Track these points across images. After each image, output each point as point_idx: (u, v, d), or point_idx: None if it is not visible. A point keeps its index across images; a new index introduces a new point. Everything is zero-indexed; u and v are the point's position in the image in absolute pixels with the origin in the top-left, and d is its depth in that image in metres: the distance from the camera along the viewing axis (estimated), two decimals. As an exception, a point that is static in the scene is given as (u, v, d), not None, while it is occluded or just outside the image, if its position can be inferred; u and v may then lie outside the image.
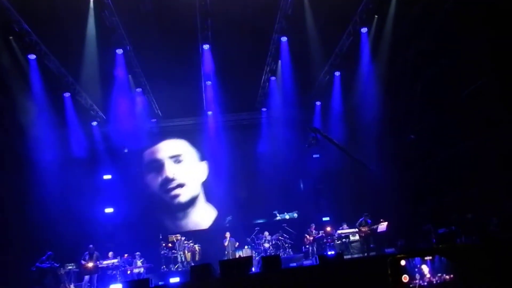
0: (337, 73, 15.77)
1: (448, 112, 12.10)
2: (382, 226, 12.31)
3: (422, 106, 13.48)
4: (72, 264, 12.25)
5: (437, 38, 12.23)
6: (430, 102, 13.05)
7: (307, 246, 13.82)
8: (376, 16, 13.39)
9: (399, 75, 14.85)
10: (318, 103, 17.54)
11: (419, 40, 13.12)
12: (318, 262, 8.30)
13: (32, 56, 12.61)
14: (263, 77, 15.94)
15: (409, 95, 14.29)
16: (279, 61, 14.90)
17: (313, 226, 14.19)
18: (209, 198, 17.35)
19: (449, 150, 12.19)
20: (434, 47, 12.44)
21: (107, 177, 16.72)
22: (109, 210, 16.30)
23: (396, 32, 13.76)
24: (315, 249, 13.63)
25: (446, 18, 11.61)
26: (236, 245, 14.22)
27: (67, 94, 14.67)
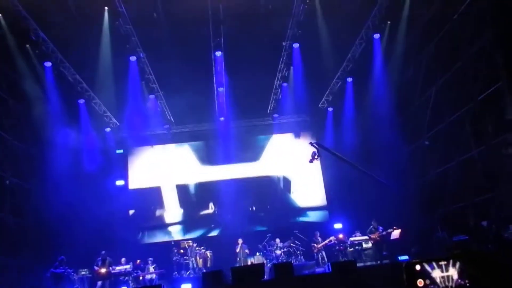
0: (349, 79, 15.71)
1: (462, 118, 11.94)
2: (395, 233, 12.15)
3: (436, 112, 13.33)
4: (86, 269, 12.36)
5: (450, 43, 12.11)
6: (443, 108, 12.90)
7: (317, 254, 13.72)
8: (388, 22, 13.37)
9: (411, 80, 14.75)
10: (330, 109, 17.48)
11: (432, 46, 13.02)
12: (330, 270, 8.22)
13: (48, 64, 12.89)
14: (275, 83, 15.98)
15: (422, 101, 14.17)
16: (291, 67, 14.95)
17: (318, 234, 14.10)
18: (220, 204, 17.34)
19: (464, 156, 12.01)
20: (447, 52, 12.32)
21: (120, 183, 16.85)
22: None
23: (408, 38, 13.71)
24: (325, 256, 13.51)
25: (459, 22, 11.50)
26: (247, 252, 14.18)
27: (81, 101, 14.90)
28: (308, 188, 17.65)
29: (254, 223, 17.04)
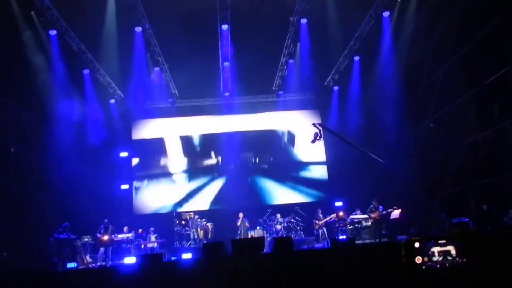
0: (356, 58, 15.52)
1: (468, 101, 11.84)
2: (395, 213, 12.26)
3: (442, 95, 13.22)
4: (88, 236, 12.59)
5: (459, 25, 11.89)
6: (450, 91, 12.78)
7: (317, 230, 13.92)
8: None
9: (419, 62, 14.56)
10: (335, 88, 17.34)
11: (441, 27, 12.78)
12: (329, 246, 8.35)
13: (53, 32, 12.75)
14: (281, 59, 15.80)
15: (429, 83, 14.02)
16: (298, 43, 14.74)
17: (320, 211, 14.25)
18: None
19: (468, 140, 11.98)
20: (455, 34, 12.11)
21: (123, 154, 16.96)
22: (125, 186, 16.59)
23: (418, 18, 13.44)
24: (325, 233, 13.70)
25: (469, 4, 11.26)
26: (247, 225, 14.39)
27: (86, 71, 14.81)
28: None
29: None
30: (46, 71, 13.54)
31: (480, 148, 11.47)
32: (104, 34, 13.28)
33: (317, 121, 16.76)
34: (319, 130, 12.46)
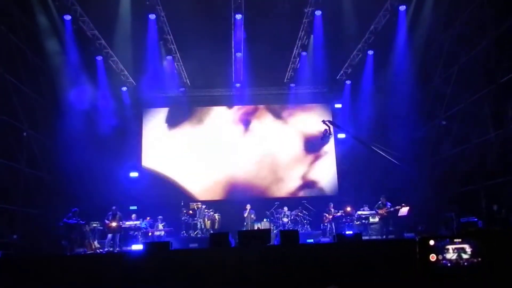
0: (370, 52, 15.31)
1: (482, 99, 11.65)
2: (403, 210, 12.18)
3: (456, 92, 13.02)
4: (97, 222, 12.73)
5: (476, 22, 11.66)
6: (463, 88, 12.58)
7: (326, 224, 13.88)
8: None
9: (433, 58, 14.35)
10: (348, 82, 17.17)
11: (458, 23, 12.55)
12: (336, 241, 8.33)
13: (68, 17, 12.78)
14: (294, 51, 15.67)
15: (443, 80, 13.82)
16: (312, 36, 14.59)
17: (332, 205, 14.19)
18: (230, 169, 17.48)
19: (481, 139, 11.81)
20: (472, 31, 11.89)
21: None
22: (134, 174, 16.69)
23: (435, 12, 13.20)
24: (333, 227, 13.67)
25: (487, 1, 11.03)
26: (253, 217, 14.42)
27: (99, 58, 14.85)
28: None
29: (263, 191, 17.27)
30: (60, 56, 13.63)
31: (492, 147, 11.30)
32: (118, 20, 13.28)
33: (328, 117, 16.70)
34: (329, 127, 12.41)
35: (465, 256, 0.99)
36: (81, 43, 13.72)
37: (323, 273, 6.24)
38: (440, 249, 0.99)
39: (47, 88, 14.14)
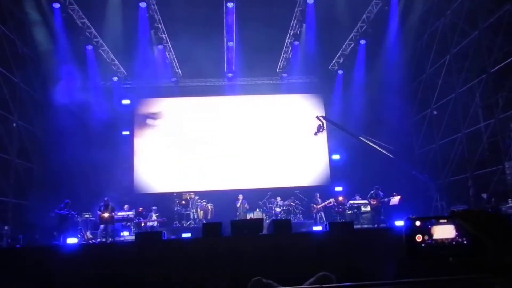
0: (363, 42, 15.30)
1: (473, 89, 11.74)
2: (395, 199, 12.31)
3: (447, 82, 13.10)
4: (89, 213, 12.70)
5: (468, 11, 11.69)
6: (455, 78, 12.66)
7: (315, 214, 14.01)
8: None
9: (425, 48, 14.39)
10: (340, 72, 17.16)
11: (449, 12, 12.58)
12: (328, 229, 8.41)
13: (56, 5, 12.58)
14: (286, 41, 15.61)
15: (434, 70, 13.89)
16: (304, 25, 14.52)
17: (318, 195, 14.29)
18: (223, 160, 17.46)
19: (471, 128, 11.92)
20: (464, 21, 11.92)
21: (125, 133, 16.92)
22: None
23: (427, 2, 13.22)
24: (323, 216, 13.78)
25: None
26: (247, 207, 14.47)
27: (89, 47, 14.67)
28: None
29: (256, 181, 17.32)
30: (49, 46, 13.44)
31: (482, 137, 11.42)
32: (108, 9, 13.12)
33: (320, 106, 16.74)
34: (322, 122, 12.47)
35: (450, 236, 1.00)
36: (71, 32, 13.53)
37: (315, 260, 6.31)
38: (426, 230, 1.01)
39: (36, 78, 13.98)
